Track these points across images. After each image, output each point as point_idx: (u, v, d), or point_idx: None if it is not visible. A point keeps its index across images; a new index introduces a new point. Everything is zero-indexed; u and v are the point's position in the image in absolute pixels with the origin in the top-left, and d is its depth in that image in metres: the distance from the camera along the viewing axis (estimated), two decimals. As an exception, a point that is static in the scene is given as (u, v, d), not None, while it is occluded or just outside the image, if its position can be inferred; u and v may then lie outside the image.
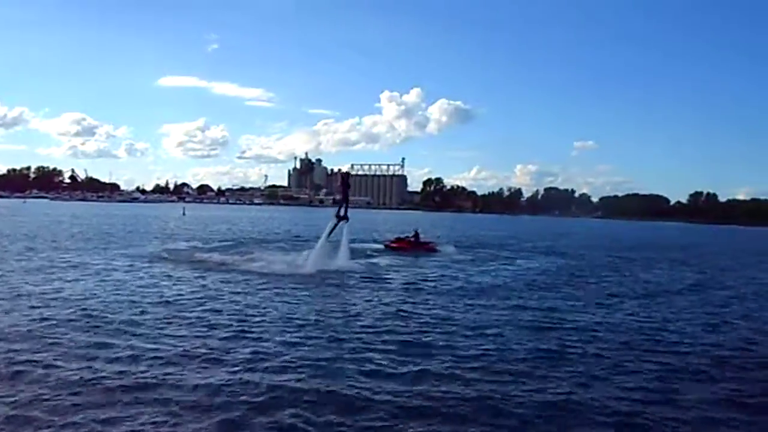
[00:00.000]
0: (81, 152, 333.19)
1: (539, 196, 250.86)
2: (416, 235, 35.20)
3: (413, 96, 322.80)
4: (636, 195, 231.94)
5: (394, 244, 33.78)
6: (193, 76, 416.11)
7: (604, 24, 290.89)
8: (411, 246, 33.91)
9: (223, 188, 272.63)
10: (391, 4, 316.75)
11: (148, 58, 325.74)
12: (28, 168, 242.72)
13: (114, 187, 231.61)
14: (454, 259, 30.82)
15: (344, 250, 24.07)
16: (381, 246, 34.69)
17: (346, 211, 24.50)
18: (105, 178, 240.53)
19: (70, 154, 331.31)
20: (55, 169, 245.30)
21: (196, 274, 20.90)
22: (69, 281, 18.61)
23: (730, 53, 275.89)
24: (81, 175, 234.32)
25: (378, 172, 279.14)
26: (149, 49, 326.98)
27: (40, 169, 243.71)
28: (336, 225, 24.31)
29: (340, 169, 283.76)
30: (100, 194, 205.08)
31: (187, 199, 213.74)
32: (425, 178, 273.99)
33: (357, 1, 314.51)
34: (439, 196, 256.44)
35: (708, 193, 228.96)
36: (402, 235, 36.70)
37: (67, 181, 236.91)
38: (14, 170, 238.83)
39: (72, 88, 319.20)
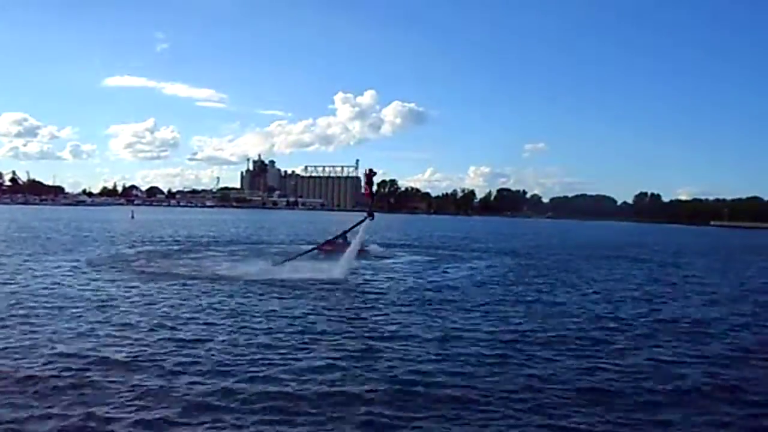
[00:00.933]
0: (22, 154, 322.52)
1: (492, 197, 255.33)
2: (344, 236, 34.12)
3: (367, 98, 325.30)
4: (585, 196, 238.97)
5: (327, 247, 32.61)
6: (142, 76, 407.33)
7: (552, 28, 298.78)
8: (341, 248, 32.85)
9: (174, 190, 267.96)
10: (345, 6, 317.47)
11: (94, 57, 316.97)
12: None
13: (58, 190, 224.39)
14: (411, 260, 30.89)
15: (352, 252, 23.24)
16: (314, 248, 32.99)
17: (371, 209, 23.96)
18: (49, 181, 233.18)
19: (11, 155, 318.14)
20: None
21: (167, 283, 19.29)
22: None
23: (674, 56, 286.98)
24: (22, 178, 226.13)
25: (332, 174, 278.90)
26: (96, 48, 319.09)
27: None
28: (361, 221, 23.90)
29: (293, 171, 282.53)
30: (44, 197, 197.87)
31: (136, 202, 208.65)
32: (379, 180, 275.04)
33: (311, 2, 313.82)
34: (393, 198, 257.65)
35: (652, 194, 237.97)
36: (331, 237, 34.28)
37: (8, 183, 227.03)
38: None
39: (13, 88, 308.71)
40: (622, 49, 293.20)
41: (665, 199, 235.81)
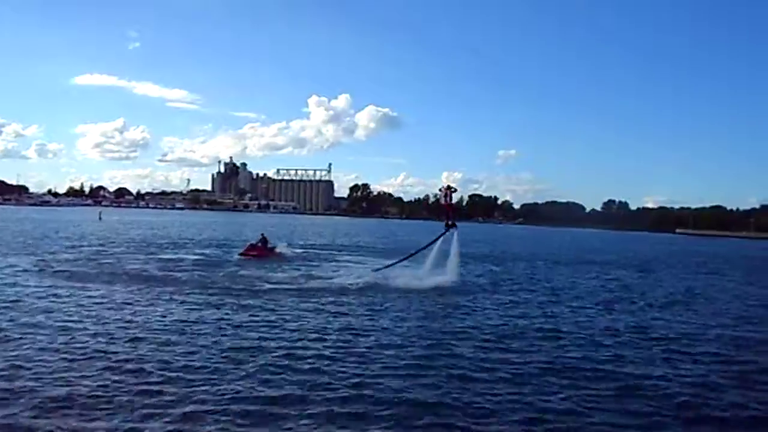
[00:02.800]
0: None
1: (464, 203, 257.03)
2: (264, 240, 33.52)
3: (342, 101, 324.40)
4: (555, 203, 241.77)
5: (252, 252, 31.42)
6: (112, 74, 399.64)
7: (526, 37, 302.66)
8: (263, 252, 32.03)
9: (143, 192, 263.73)
10: (321, 9, 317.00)
11: (62, 54, 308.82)
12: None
13: (22, 189, 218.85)
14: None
15: (454, 261, 24.06)
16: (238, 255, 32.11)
17: (454, 220, 25.28)
18: (12, 180, 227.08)
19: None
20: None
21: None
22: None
23: (643, 67, 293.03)
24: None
25: (305, 178, 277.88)
26: (64, 45, 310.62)
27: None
28: (444, 233, 24.87)
29: (265, 174, 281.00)
30: (7, 197, 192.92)
31: (103, 203, 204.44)
32: (352, 184, 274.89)
33: (286, 3, 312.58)
34: (365, 202, 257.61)
35: (620, 202, 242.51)
36: (254, 242, 33.80)
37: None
38: None
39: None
40: (593, 59, 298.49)
41: (633, 206, 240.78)
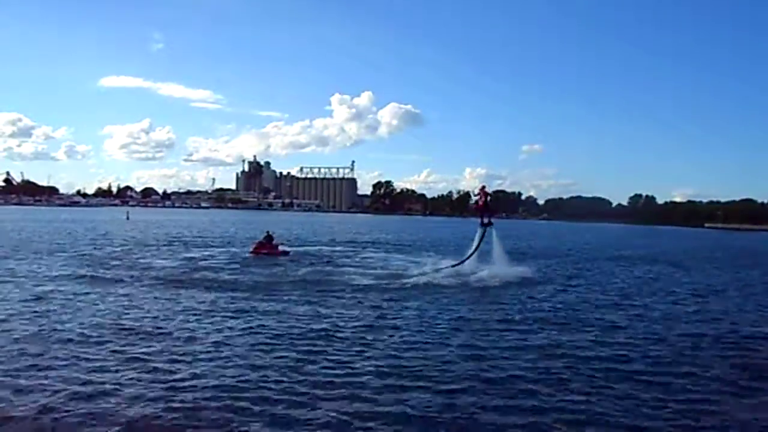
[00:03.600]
0: (17, 154, 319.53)
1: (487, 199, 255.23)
2: (269, 237, 32.98)
3: (364, 99, 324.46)
4: (580, 197, 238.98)
5: (263, 250, 31.18)
6: (138, 76, 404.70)
7: (549, 30, 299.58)
8: (271, 250, 31.69)
9: (169, 191, 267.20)
10: (342, 7, 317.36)
11: (89, 57, 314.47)
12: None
13: (52, 190, 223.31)
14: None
15: (500, 254, 25.58)
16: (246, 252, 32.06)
17: (490, 218, 26.46)
18: (43, 182, 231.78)
19: (5, 156, 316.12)
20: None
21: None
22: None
23: (670, 59, 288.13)
24: (17, 179, 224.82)
25: (328, 176, 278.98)
26: (91, 47, 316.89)
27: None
28: (485, 232, 25.99)
29: (289, 173, 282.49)
30: (38, 198, 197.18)
31: (131, 203, 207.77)
32: (375, 181, 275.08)
33: (308, 2, 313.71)
34: (388, 199, 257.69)
35: (647, 196, 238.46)
36: (261, 240, 33.35)
37: (2, 184, 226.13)
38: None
39: (7, 87, 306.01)
40: (619, 51, 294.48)
41: (660, 200, 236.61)
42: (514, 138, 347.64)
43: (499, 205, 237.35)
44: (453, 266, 25.37)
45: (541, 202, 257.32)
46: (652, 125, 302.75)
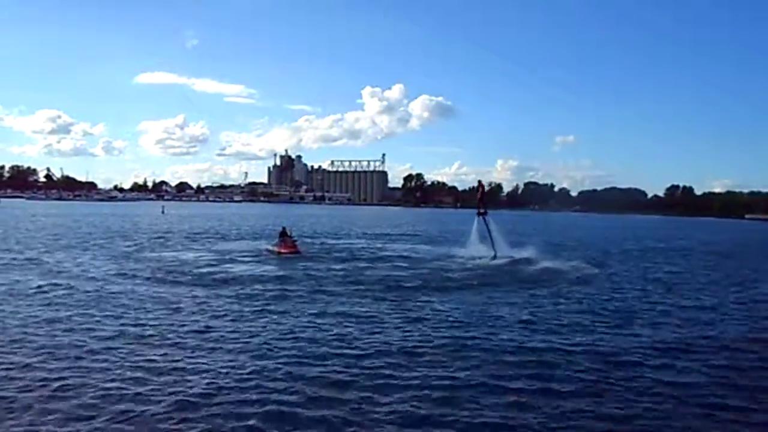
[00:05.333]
0: (56, 151, 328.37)
1: (519, 191, 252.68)
2: (284, 233, 31.43)
3: (395, 92, 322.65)
4: (614, 189, 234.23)
5: (290, 249, 29.40)
6: (173, 72, 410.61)
7: (583, 20, 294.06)
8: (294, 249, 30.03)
9: (203, 186, 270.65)
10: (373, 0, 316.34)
11: (125, 54, 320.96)
12: (2, 167, 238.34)
13: (91, 185, 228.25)
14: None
15: (499, 240, 29.41)
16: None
17: (485, 209, 30.84)
18: (81, 177, 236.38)
19: (46, 152, 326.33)
20: (29, 168, 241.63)
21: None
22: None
23: (706, 48, 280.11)
24: (57, 174, 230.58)
25: (359, 168, 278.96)
26: (127, 45, 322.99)
27: (15, 168, 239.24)
28: (484, 221, 30.04)
29: (320, 166, 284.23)
30: (77, 193, 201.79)
31: (166, 197, 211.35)
32: (406, 174, 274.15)
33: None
34: (419, 192, 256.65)
35: (684, 187, 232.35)
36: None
37: (43, 180, 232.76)
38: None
39: (47, 85, 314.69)
40: (653, 39, 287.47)
41: (698, 191, 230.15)
42: (547, 129, 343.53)
43: (531, 197, 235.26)
44: (491, 258, 27.89)
45: (574, 193, 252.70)
46: (690, 114, 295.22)
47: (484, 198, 32.69)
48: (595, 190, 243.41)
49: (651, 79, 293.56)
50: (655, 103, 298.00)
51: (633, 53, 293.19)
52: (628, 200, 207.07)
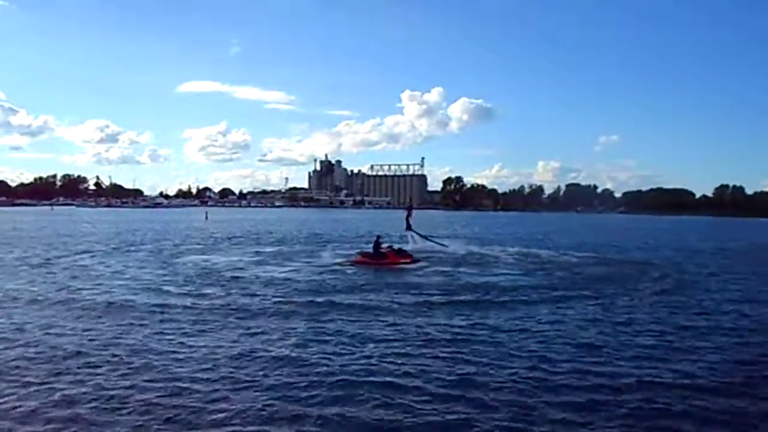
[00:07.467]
0: (105, 159, 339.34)
1: (561, 193, 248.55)
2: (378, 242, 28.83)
3: (434, 95, 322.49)
4: (660, 189, 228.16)
5: (405, 259, 27.46)
6: (216, 80, 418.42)
7: (627, 16, 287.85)
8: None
9: (245, 191, 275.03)
10: (410, 2, 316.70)
11: (169, 63, 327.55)
12: (54, 176, 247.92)
13: (137, 193, 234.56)
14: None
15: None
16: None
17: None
18: (128, 184, 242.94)
19: (95, 161, 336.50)
20: (80, 177, 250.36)
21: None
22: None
23: (753, 42, 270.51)
24: (105, 182, 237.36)
25: (398, 172, 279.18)
26: (171, 54, 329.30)
27: (66, 177, 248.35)
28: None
29: (359, 170, 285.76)
30: (125, 200, 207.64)
31: (209, 203, 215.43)
32: (445, 177, 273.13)
33: (376, 1, 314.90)
34: (459, 195, 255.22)
35: (734, 186, 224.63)
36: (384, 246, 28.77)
37: (92, 187, 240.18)
38: (41, 178, 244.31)
39: (95, 95, 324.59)
40: (698, 35, 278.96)
41: (749, 191, 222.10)
42: (590, 129, 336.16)
43: (573, 199, 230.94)
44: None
45: (618, 195, 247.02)
46: (739, 110, 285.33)
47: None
48: (640, 191, 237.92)
49: (697, 76, 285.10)
50: (701, 100, 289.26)
51: (678, 50, 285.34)
52: (675, 201, 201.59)
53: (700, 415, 8.26)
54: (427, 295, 18.22)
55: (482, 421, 7.92)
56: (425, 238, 31.53)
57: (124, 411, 7.93)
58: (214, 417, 7.86)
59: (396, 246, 28.97)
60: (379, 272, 24.03)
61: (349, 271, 24.38)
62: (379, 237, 29.19)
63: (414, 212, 32.85)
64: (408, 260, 26.75)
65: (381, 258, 26.73)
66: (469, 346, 11.83)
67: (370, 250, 27.77)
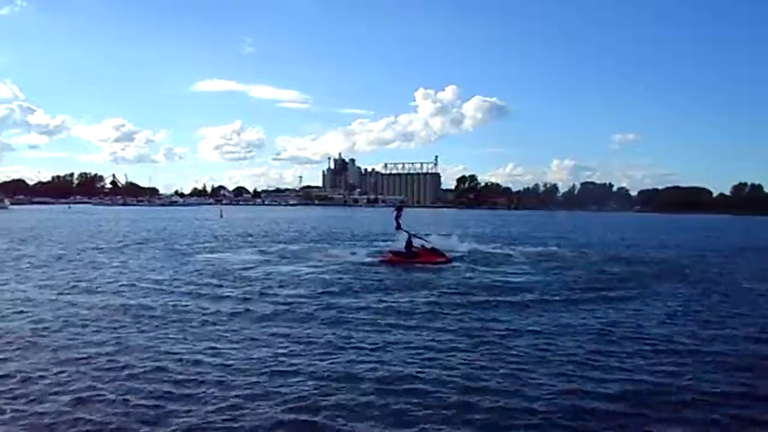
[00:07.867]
0: (121, 158, 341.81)
1: (575, 191, 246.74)
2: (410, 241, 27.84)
3: (449, 93, 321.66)
4: (677, 188, 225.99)
5: (441, 258, 26.71)
6: (230, 79, 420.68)
7: (643, 14, 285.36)
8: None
9: (259, 190, 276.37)
10: (425, 1, 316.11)
11: (184, 62, 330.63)
12: (71, 174, 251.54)
13: (153, 191, 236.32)
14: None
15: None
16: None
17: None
18: (144, 183, 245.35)
19: (111, 159, 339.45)
20: (96, 175, 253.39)
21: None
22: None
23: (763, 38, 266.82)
24: (121, 180, 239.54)
25: (412, 171, 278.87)
26: (186, 54, 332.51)
27: (83, 176, 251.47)
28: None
29: (373, 169, 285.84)
30: (140, 199, 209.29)
31: (224, 202, 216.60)
32: (459, 176, 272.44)
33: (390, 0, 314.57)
34: (473, 193, 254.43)
35: (753, 184, 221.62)
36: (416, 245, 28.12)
37: (109, 186, 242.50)
38: (58, 177, 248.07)
39: (111, 95, 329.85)
40: (717, 35, 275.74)
41: (767, 189, 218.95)
42: (605, 127, 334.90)
43: (588, 197, 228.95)
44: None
45: (633, 193, 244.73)
46: (757, 108, 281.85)
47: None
48: (656, 190, 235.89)
49: (714, 74, 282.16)
50: (718, 98, 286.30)
51: (692, 48, 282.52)
52: (692, 199, 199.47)
53: None
54: (462, 295, 17.48)
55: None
56: (414, 236, 27.99)
57: (132, 417, 7.80)
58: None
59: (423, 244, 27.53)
60: (411, 271, 23.16)
61: (380, 270, 23.49)
62: (411, 235, 27.52)
63: (404, 211, 30.95)
64: (443, 259, 25.71)
65: (414, 257, 25.79)
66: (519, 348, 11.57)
67: (402, 249, 26.84)
